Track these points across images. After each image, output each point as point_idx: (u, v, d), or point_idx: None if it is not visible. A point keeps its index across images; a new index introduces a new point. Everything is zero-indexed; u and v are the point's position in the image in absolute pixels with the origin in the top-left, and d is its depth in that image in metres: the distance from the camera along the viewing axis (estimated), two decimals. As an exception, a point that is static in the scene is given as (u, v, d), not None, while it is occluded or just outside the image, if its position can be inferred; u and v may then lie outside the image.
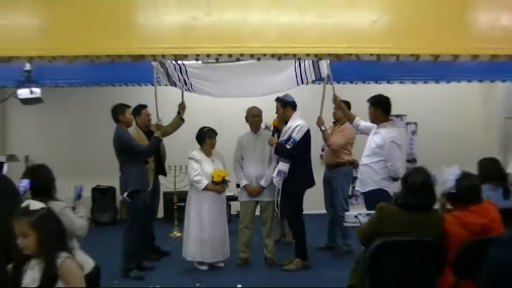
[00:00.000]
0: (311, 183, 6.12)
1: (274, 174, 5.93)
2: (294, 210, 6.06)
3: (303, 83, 6.06)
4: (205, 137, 6.13)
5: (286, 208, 6.15)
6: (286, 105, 6.05)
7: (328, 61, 5.71)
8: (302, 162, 5.93)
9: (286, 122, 6.06)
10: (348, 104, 6.48)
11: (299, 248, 6.08)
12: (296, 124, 5.91)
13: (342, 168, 6.54)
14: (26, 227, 2.68)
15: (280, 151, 5.93)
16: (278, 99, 6.14)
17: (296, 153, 5.87)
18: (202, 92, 6.16)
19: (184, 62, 5.81)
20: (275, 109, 6.21)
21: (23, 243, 2.69)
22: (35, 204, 2.75)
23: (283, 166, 5.87)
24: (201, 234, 5.98)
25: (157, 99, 5.98)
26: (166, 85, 6.23)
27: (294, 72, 5.94)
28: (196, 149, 6.17)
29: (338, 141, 6.45)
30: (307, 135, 5.92)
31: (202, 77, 5.97)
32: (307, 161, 6.06)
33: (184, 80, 5.99)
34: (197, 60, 4.82)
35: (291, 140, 5.87)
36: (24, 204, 2.76)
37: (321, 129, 6.18)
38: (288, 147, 5.86)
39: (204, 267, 6.06)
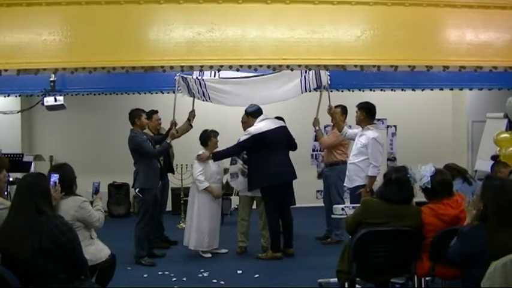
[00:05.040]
0: (275, 179, 5.81)
1: (229, 178, 5.88)
2: (265, 205, 5.97)
3: (306, 91, 6.08)
4: (211, 136, 6.14)
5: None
6: (248, 115, 6.06)
7: (327, 72, 5.72)
8: (255, 162, 5.82)
9: None
10: (344, 109, 6.39)
11: (271, 240, 5.94)
12: (248, 131, 5.88)
13: (336, 167, 6.44)
14: None
15: (217, 156, 5.94)
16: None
17: (233, 150, 5.86)
18: (219, 102, 6.17)
19: (204, 78, 5.86)
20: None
21: None
22: None
23: (232, 168, 5.87)
24: (202, 225, 5.98)
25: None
26: (179, 92, 6.16)
27: (300, 82, 5.93)
28: (203, 150, 6.12)
29: (328, 141, 6.45)
30: (253, 139, 5.75)
31: (219, 90, 5.96)
32: (263, 161, 5.78)
33: (203, 92, 5.99)
34: (201, 70, 4.83)
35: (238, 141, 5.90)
36: None
37: (315, 129, 6.19)
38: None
39: (208, 255, 6.04)
